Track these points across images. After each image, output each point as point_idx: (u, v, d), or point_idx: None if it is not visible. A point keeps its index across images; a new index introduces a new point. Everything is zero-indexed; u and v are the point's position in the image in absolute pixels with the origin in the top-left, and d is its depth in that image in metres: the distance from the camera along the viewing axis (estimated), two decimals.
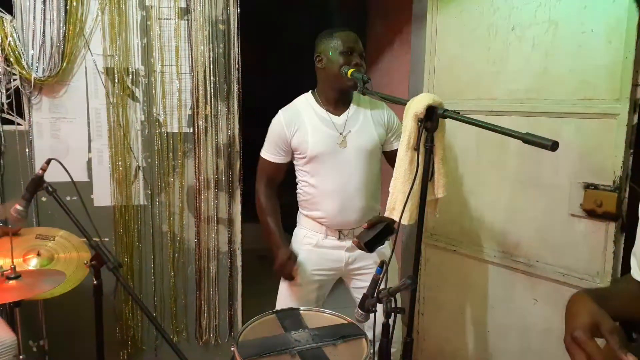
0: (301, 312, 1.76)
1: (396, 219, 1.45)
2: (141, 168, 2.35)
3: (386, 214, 1.53)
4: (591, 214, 1.84)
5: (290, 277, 1.94)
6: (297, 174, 2.01)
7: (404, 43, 2.85)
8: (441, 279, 2.48)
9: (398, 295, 1.37)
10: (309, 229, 2.01)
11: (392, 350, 1.45)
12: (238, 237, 2.45)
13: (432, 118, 1.36)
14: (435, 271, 2.50)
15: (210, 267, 2.43)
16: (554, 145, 1.10)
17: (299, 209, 2.06)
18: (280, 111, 1.97)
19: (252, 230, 2.61)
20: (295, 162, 1.99)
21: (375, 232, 1.72)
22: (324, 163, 1.89)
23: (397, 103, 1.50)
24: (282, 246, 1.93)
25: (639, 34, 1.65)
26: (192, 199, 2.39)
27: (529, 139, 1.14)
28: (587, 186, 1.84)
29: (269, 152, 1.98)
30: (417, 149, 1.40)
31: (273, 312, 1.76)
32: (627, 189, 1.75)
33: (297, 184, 2.03)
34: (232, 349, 1.50)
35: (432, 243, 2.49)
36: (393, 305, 1.27)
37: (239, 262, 2.46)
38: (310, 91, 1.99)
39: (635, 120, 1.71)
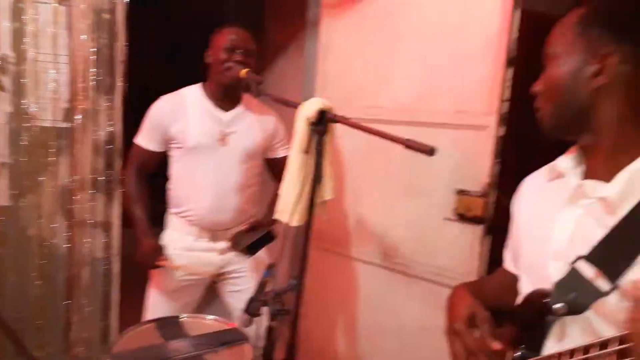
0: (181, 319, 1.68)
1: (285, 220, 1.46)
2: (6, 165, 2.10)
3: (275, 216, 1.53)
4: (462, 217, 2.00)
5: (153, 267, 1.88)
6: (170, 167, 1.93)
7: (299, 48, 2.89)
8: (325, 280, 2.54)
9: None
10: (179, 230, 1.93)
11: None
12: (116, 242, 2.28)
13: (322, 122, 1.39)
14: (320, 273, 2.54)
15: (82, 275, 2.23)
16: (432, 151, 1.18)
17: (169, 208, 1.98)
18: (162, 97, 1.90)
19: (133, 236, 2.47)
20: (171, 154, 1.91)
21: (256, 237, 1.71)
22: (202, 157, 1.85)
23: (290, 106, 1.51)
24: (149, 235, 1.87)
25: (507, 54, 1.83)
26: (65, 200, 2.18)
27: (410, 144, 1.21)
28: (459, 192, 2.00)
29: (145, 139, 1.91)
30: (307, 151, 1.42)
31: (151, 321, 1.67)
32: (493, 195, 1.93)
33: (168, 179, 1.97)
34: None
35: (317, 245, 2.52)
36: (279, 308, 1.26)
37: (116, 269, 2.28)
38: (200, 83, 1.94)
39: (502, 132, 1.89)
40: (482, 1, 1.88)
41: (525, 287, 0.92)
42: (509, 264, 1.10)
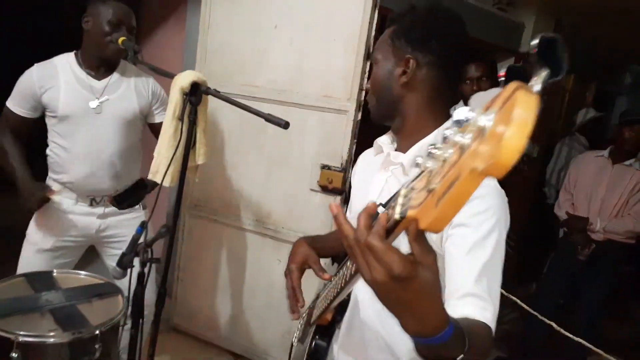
0: (54, 274, 1.74)
1: (158, 181, 1.59)
2: None
3: (149, 177, 1.65)
4: (324, 189, 2.28)
5: (42, 202, 1.82)
6: (48, 134, 1.93)
7: (180, 21, 2.94)
8: (202, 247, 2.69)
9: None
10: (58, 194, 1.93)
11: (145, 312, 1.58)
12: None
13: (196, 93, 1.54)
14: (197, 240, 2.69)
15: None
16: (286, 125, 1.41)
17: (49, 173, 1.98)
18: (35, 65, 1.87)
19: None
20: (47, 121, 1.91)
21: (126, 188, 1.79)
22: (76, 125, 1.86)
23: (165, 76, 1.62)
24: (30, 179, 1.83)
25: (366, 49, 2.11)
26: None
27: (268, 118, 1.42)
28: (323, 167, 2.27)
29: (16, 104, 1.88)
30: (181, 119, 1.55)
31: (21, 275, 1.70)
32: (350, 170, 2.22)
33: (47, 145, 1.96)
34: None
35: (195, 214, 2.67)
36: (149, 256, 1.40)
37: None
38: (73, 52, 1.93)
39: (359, 117, 2.18)
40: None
41: None
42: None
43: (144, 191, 1.76)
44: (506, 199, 0.96)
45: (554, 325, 1.84)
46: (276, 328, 2.50)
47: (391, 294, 0.58)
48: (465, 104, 2.48)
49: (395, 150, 1.12)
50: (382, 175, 1.11)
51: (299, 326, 1.34)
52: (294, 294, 1.17)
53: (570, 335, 1.98)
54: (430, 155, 0.49)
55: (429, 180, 0.48)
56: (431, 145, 0.50)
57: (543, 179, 4.01)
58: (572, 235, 2.86)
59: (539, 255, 3.37)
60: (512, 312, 3.62)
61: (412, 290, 0.56)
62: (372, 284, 0.57)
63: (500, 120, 0.39)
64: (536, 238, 3.77)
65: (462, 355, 0.66)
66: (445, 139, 0.47)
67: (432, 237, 0.96)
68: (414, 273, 0.55)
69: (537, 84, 0.42)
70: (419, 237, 0.55)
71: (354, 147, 2.21)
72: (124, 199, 1.74)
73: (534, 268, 3.37)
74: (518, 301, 2.32)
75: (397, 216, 0.54)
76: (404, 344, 0.97)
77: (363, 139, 2.22)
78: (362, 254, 0.57)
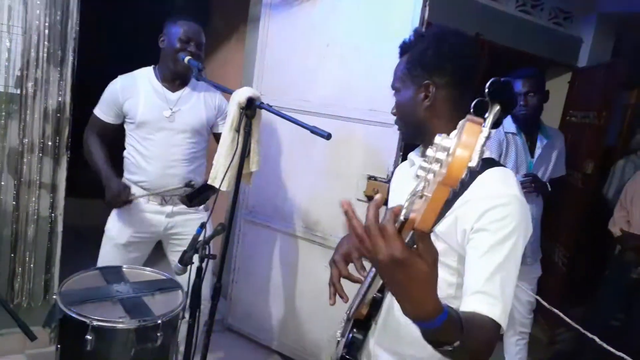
0: (124, 269, 1.94)
1: (217, 185, 1.76)
2: None
3: (209, 182, 1.82)
4: (370, 199, 2.35)
5: (124, 204, 2.06)
6: (126, 138, 2.16)
7: (240, 40, 3.16)
8: (255, 250, 2.85)
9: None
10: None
11: (202, 308, 1.74)
12: (61, 203, 2.47)
13: (251, 107, 1.70)
14: (250, 244, 2.86)
15: (28, 231, 2.41)
16: (328, 136, 1.54)
17: (124, 173, 2.20)
18: (119, 77, 2.13)
19: (74, 206, 2.68)
20: (126, 126, 2.15)
21: (196, 188, 1.98)
22: (151, 131, 2.08)
23: (224, 91, 1.80)
24: (113, 178, 2.05)
25: None
26: (14, 161, 2.35)
27: (312, 130, 1.55)
28: (369, 177, 2.37)
29: (101, 111, 2.13)
30: (238, 130, 1.72)
31: (96, 268, 1.91)
32: None
33: (125, 148, 2.19)
34: (54, 297, 1.63)
35: (249, 219, 2.84)
36: (207, 252, 1.56)
37: (59, 228, 2.48)
38: (152, 66, 2.17)
39: None
40: (394, 18, 2.24)
41: None
42: None
43: (210, 192, 1.93)
44: (527, 206, 1.03)
45: (597, 339, 1.83)
46: (322, 333, 2.60)
47: (388, 273, 0.68)
48: (512, 118, 2.52)
49: None
50: (414, 184, 1.20)
51: (342, 322, 1.44)
52: (335, 291, 1.27)
53: (617, 352, 1.96)
54: (423, 167, 0.61)
55: (425, 188, 0.60)
56: (424, 157, 0.61)
57: (598, 196, 3.89)
58: (626, 253, 2.80)
59: (594, 273, 3.28)
60: (567, 331, 3.53)
61: (407, 274, 0.66)
62: (375, 262, 0.68)
63: (456, 143, 0.53)
64: (590, 255, 3.67)
65: (458, 342, 0.75)
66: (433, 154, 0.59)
67: (457, 239, 1.05)
68: (411, 261, 0.65)
69: (489, 116, 0.55)
70: (422, 238, 0.66)
71: (400, 159, 2.30)
72: (193, 198, 1.93)
73: (589, 286, 3.28)
74: (566, 318, 2.31)
75: (402, 217, 0.66)
76: None
77: (409, 151, 2.31)
78: (372, 237, 0.67)
